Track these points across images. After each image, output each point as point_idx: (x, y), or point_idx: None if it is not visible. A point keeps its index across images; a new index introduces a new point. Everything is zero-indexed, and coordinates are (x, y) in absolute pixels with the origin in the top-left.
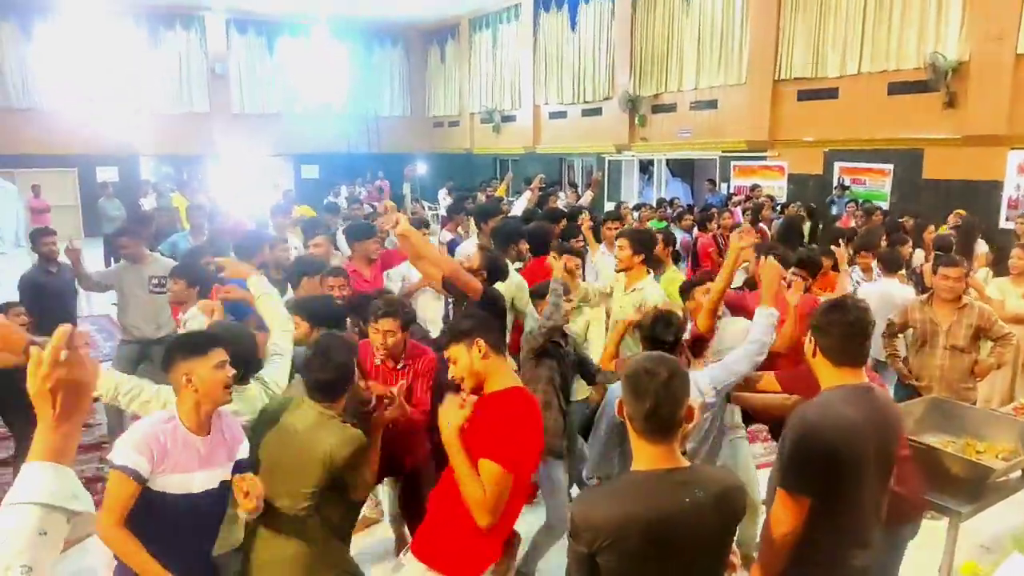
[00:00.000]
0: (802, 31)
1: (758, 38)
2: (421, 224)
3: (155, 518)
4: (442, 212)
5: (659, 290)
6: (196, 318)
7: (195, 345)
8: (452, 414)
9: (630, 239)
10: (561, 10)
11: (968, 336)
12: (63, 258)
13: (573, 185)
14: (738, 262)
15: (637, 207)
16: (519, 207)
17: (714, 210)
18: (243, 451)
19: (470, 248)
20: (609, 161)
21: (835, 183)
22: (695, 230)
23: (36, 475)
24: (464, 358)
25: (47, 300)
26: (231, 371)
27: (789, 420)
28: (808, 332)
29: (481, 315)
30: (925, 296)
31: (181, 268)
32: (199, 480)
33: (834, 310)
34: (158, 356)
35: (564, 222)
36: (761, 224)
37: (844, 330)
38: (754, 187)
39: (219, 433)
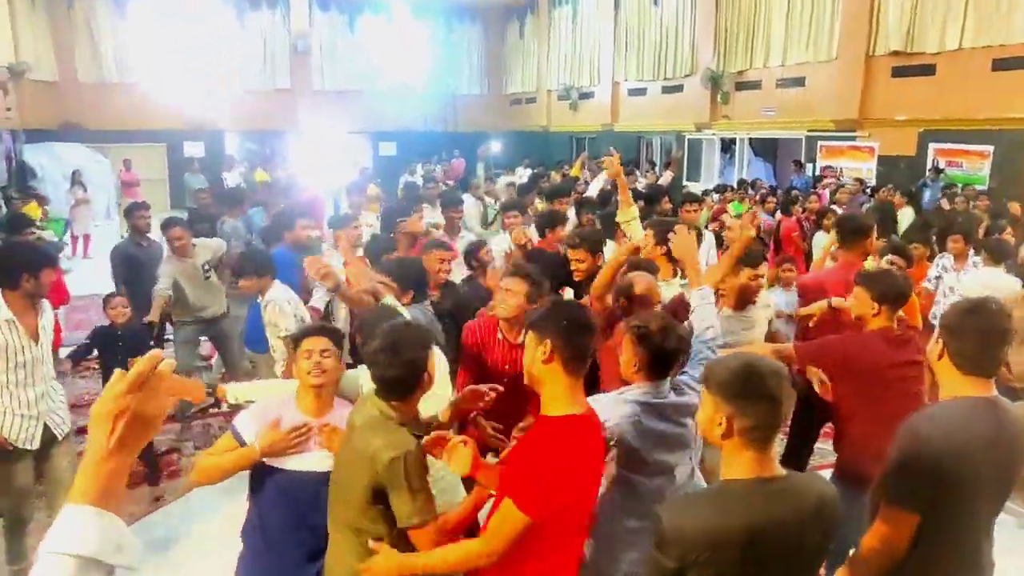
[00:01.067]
0: (899, 3)
1: (850, 10)
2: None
3: (278, 494)
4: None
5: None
6: (318, 291)
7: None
8: (459, 460)
9: (655, 229)
10: None
11: None
12: (156, 235)
13: (652, 164)
14: (741, 252)
15: (719, 189)
16: (595, 188)
17: (798, 193)
18: None
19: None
20: (689, 140)
21: (929, 165)
22: (778, 213)
23: (77, 521)
24: (529, 351)
25: (139, 271)
26: (323, 360)
27: (900, 429)
28: (936, 334)
29: (574, 315)
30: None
31: (247, 263)
32: (312, 460)
33: (973, 313)
34: (223, 332)
35: (642, 204)
36: (833, 207)
37: (981, 337)
38: (857, 180)
39: (337, 417)
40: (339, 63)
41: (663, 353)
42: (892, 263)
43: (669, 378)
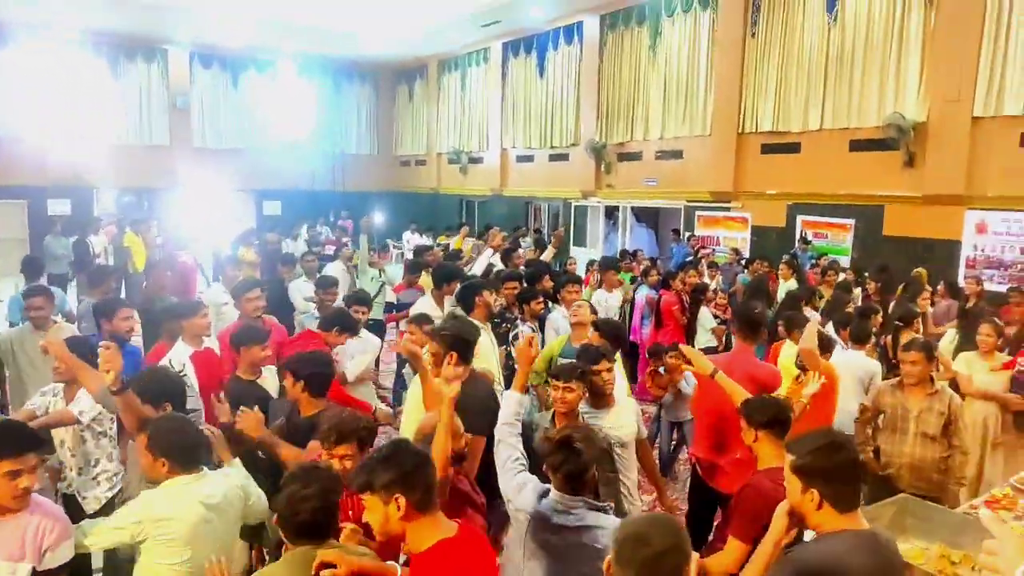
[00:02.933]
0: (765, 86)
1: (722, 91)
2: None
3: None
4: (407, 253)
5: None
6: None
7: None
8: None
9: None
10: (530, 55)
11: (939, 424)
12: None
13: (538, 232)
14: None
15: (603, 264)
16: (480, 266)
17: (681, 271)
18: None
19: (426, 305)
20: (575, 206)
21: (798, 236)
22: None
23: None
24: (378, 511)
25: None
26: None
27: (788, 560)
28: (800, 486)
29: (410, 456)
30: (896, 380)
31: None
32: None
33: (832, 451)
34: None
35: (522, 284)
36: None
37: (849, 473)
38: (734, 251)
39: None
40: (221, 120)
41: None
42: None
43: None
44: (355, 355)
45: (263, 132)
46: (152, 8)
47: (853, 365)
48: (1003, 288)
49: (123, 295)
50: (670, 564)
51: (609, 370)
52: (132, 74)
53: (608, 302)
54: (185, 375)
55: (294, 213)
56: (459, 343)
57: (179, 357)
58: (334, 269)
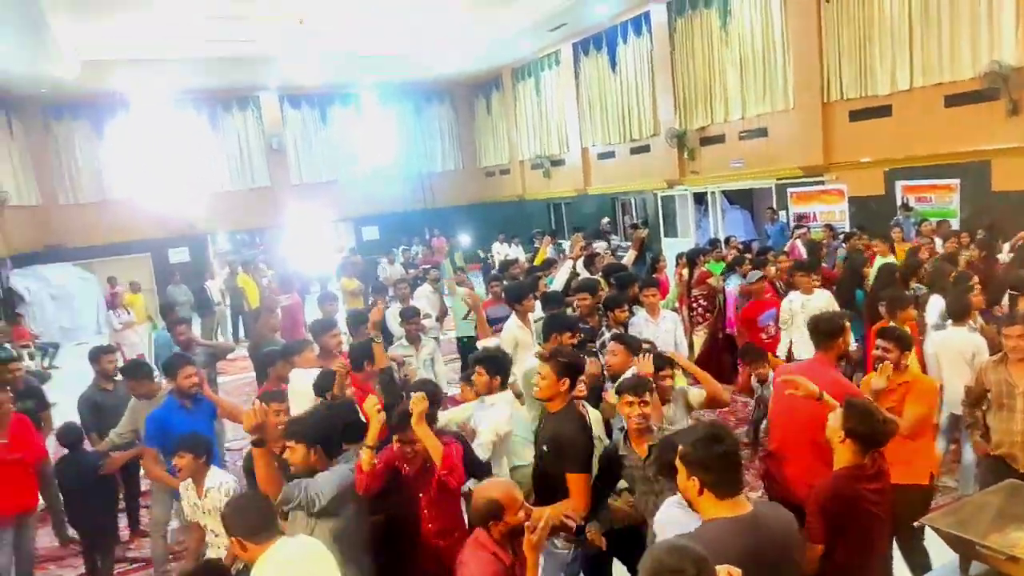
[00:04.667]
0: (847, 49)
1: (802, 60)
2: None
3: None
4: (497, 261)
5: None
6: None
7: None
8: None
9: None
10: (600, 52)
11: None
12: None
13: (635, 226)
14: None
15: (691, 255)
16: (560, 280)
17: (771, 254)
18: None
19: (512, 325)
20: (662, 197)
21: (899, 203)
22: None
23: None
24: None
25: (107, 418)
26: None
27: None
28: (684, 473)
29: None
30: (999, 355)
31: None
32: None
33: (710, 442)
34: None
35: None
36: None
37: (726, 462)
38: (827, 226)
39: None
40: (315, 155)
41: None
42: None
43: None
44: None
45: (354, 162)
46: (240, 61)
47: (954, 342)
48: None
49: (242, 334)
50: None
51: (672, 376)
52: (229, 123)
53: (807, 306)
54: None
55: (391, 235)
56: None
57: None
58: (422, 293)
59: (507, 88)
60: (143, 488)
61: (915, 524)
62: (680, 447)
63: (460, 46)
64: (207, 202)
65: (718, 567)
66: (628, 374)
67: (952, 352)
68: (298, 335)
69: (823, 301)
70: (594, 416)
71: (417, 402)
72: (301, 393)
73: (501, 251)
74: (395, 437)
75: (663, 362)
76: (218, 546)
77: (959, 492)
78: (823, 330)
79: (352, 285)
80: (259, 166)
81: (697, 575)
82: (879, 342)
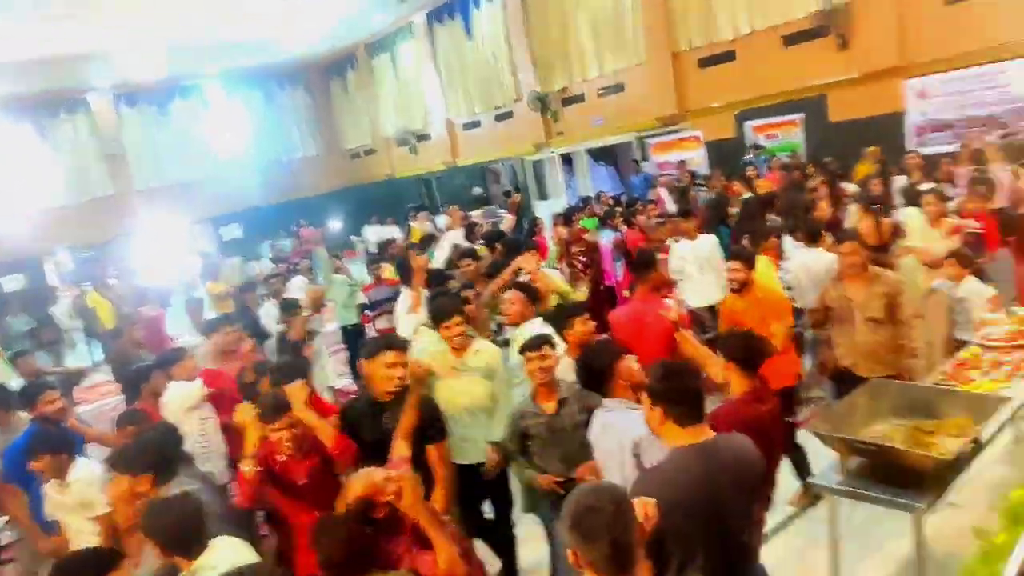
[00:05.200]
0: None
1: (649, 13)
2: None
3: None
4: (370, 247)
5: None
6: None
7: None
8: None
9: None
10: (454, 19)
11: (884, 307)
12: None
13: (507, 193)
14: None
15: (567, 212)
16: (442, 254)
17: (640, 204)
18: None
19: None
20: (532, 162)
21: (749, 143)
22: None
23: None
24: None
25: None
26: None
27: (640, 480)
28: (648, 402)
29: None
30: (835, 274)
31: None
32: None
33: (673, 376)
34: None
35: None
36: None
37: (688, 395)
38: (680, 163)
39: None
40: (159, 157)
41: None
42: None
43: None
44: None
45: (205, 159)
46: (62, 60)
47: (810, 264)
48: (955, 148)
49: (101, 356)
50: (629, 518)
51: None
52: (58, 130)
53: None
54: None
55: (256, 232)
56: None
57: (188, 392)
58: (297, 285)
59: (363, 65)
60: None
61: (797, 426)
62: (648, 381)
63: (306, 25)
64: (40, 220)
65: (635, 500)
66: (528, 326)
67: (811, 272)
68: (165, 347)
69: (709, 244)
70: None
71: (295, 391)
72: (177, 409)
73: (375, 234)
74: (270, 425)
75: (542, 340)
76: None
77: (827, 400)
78: (640, 263)
79: (218, 288)
80: (98, 174)
81: (615, 512)
82: (730, 264)
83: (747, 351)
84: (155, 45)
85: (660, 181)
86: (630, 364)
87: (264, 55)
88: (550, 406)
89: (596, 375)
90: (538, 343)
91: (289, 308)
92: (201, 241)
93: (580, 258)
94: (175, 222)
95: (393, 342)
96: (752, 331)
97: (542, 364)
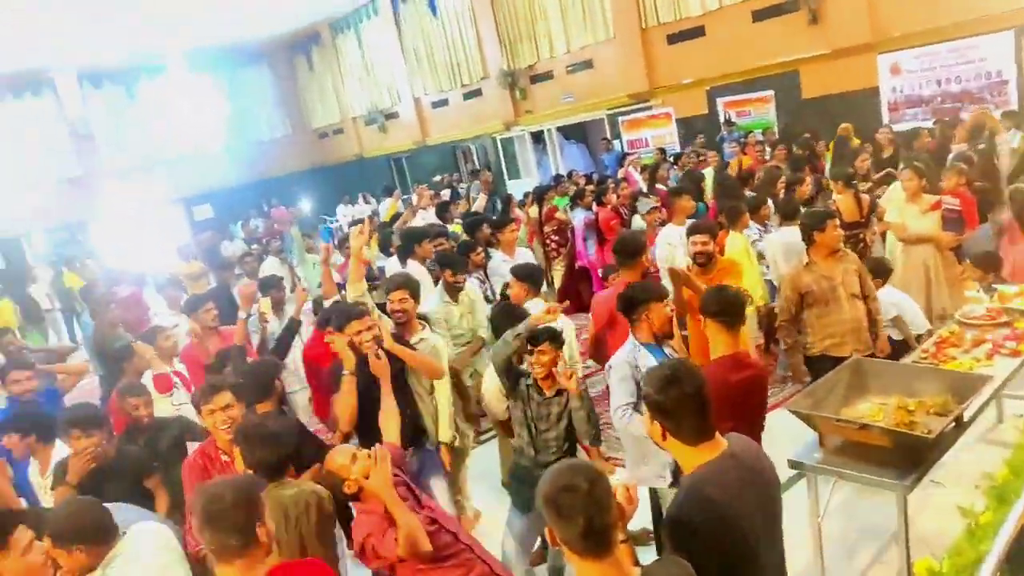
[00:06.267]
0: None
1: None
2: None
3: None
4: (344, 227)
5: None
6: None
7: None
8: None
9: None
10: None
11: (857, 282)
12: None
13: (474, 172)
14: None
15: (539, 194)
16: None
17: (610, 182)
18: None
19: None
20: (501, 140)
21: (722, 119)
22: (595, 206)
23: None
24: None
25: None
26: None
27: (668, 512)
28: (647, 415)
29: None
30: (805, 261)
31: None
32: None
33: (670, 385)
34: None
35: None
36: (659, 185)
37: (685, 406)
38: (661, 151)
39: None
40: (127, 137)
41: None
42: (697, 244)
43: None
44: None
45: (174, 139)
46: (24, 40)
47: (788, 239)
48: (929, 124)
49: (80, 336)
50: (604, 495)
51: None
52: (24, 110)
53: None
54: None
55: (227, 212)
56: None
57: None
58: (270, 266)
59: (327, 44)
60: None
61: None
62: (644, 390)
63: (268, 4)
64: (12, 200)
65: (616, 483)
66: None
67: (787, 248)
68: (143, 328)
69: None
70: None
71: None
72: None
73: (348, 213)
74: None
75: (544, 335)
76: None
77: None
78: (628, 250)
79: (193, 268)
80: (67, 155)
81: (590, 490)
82: (695, 237)
83: (720, 303)
84: (118, 25)
85: (629, 160)
86: (664, 310)
87: (226, 34)
88: (549, 391)
89: (633, 305)
90: (536, 338)
91: (270, 285)
92: (173, 222)
93: (553, 237)
94: (146, 202)
95: (351, 312)
96: (726, 284)
97: (541, 359)
